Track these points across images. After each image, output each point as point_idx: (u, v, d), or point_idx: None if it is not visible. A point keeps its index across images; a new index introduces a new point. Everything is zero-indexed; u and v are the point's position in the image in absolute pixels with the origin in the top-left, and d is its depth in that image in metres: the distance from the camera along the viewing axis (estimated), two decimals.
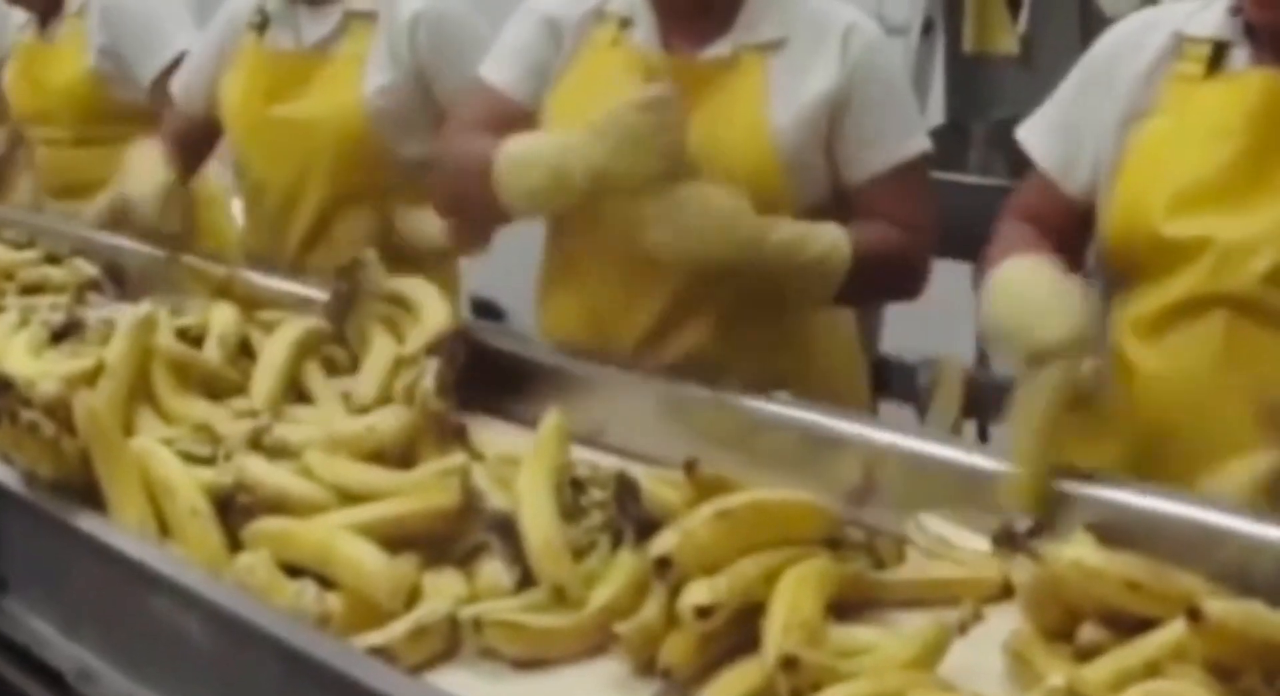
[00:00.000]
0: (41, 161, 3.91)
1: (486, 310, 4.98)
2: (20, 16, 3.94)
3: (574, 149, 2.20)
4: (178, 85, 3.32)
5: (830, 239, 2.26)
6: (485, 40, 2.87)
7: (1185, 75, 2.06)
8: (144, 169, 3.13)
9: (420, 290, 2.33)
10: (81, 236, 3.22)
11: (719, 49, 2.42)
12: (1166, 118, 2.06)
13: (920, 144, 2.45)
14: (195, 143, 3.27)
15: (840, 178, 2.42)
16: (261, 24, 3.13)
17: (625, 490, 1.77)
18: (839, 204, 2.46)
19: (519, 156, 2.26)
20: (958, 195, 3.07)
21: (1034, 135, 2.25)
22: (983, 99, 5.35)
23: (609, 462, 1.96)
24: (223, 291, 2.51)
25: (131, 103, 3.67)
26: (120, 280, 3.06)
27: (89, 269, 3.06)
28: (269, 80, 3.11)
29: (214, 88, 3.20)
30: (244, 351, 2.35)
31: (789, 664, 1.43)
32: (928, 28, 5.28)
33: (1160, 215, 2.01)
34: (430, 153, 2.66)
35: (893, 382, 3.51)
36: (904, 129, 2.44)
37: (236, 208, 4.06)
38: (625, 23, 2.49)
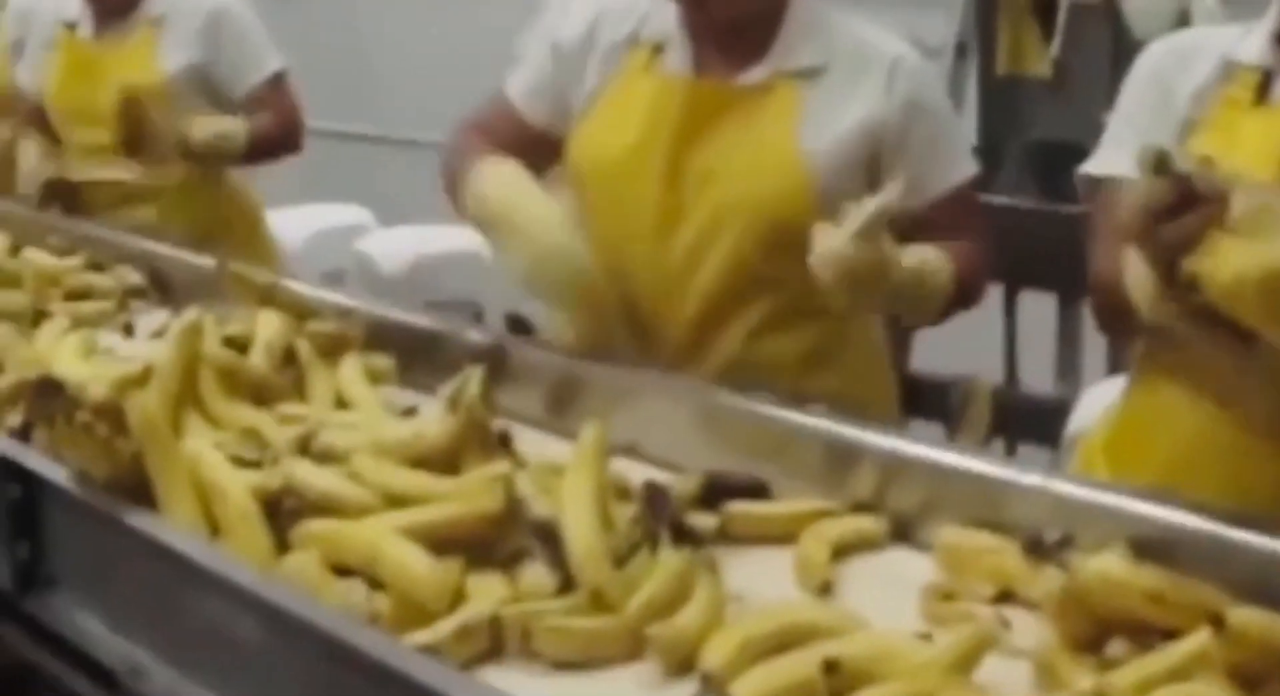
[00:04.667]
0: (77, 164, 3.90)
1: (518, 325, 5.01)
2: (70, 11, 3.90)
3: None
4: None
5: (937, 266, 2.31)
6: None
7: (1235, 99, 2.06)
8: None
9: None
10: (125, 244, 3.26)
11: (754, 75, 2.46)
12: (1213, 139, 2.05)
13: (971, 167, 2.50)
14: None
15: None
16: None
17: (654, 495, 1.82)
18: None
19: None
20: (989, 216, 3.11)
21: (1110, 160, 2.16)
22: (1015, 121, 5.38)
23: (643, 473, 2.01)
24: (266, 300, 2.54)
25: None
26: (164, 287, 3.10)
27: (133, 276, 3.11)
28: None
29: None
30: (288, 359, 2.39)
31: (830, 667, 1.48)
32: (961, 50, 5.32)
33: None
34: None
35: (923, 401, 3.53)
36: (956, 155, 2.49)
37: (270, 218, 4.15)
38: (658, 48, 2.52)
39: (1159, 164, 1.55)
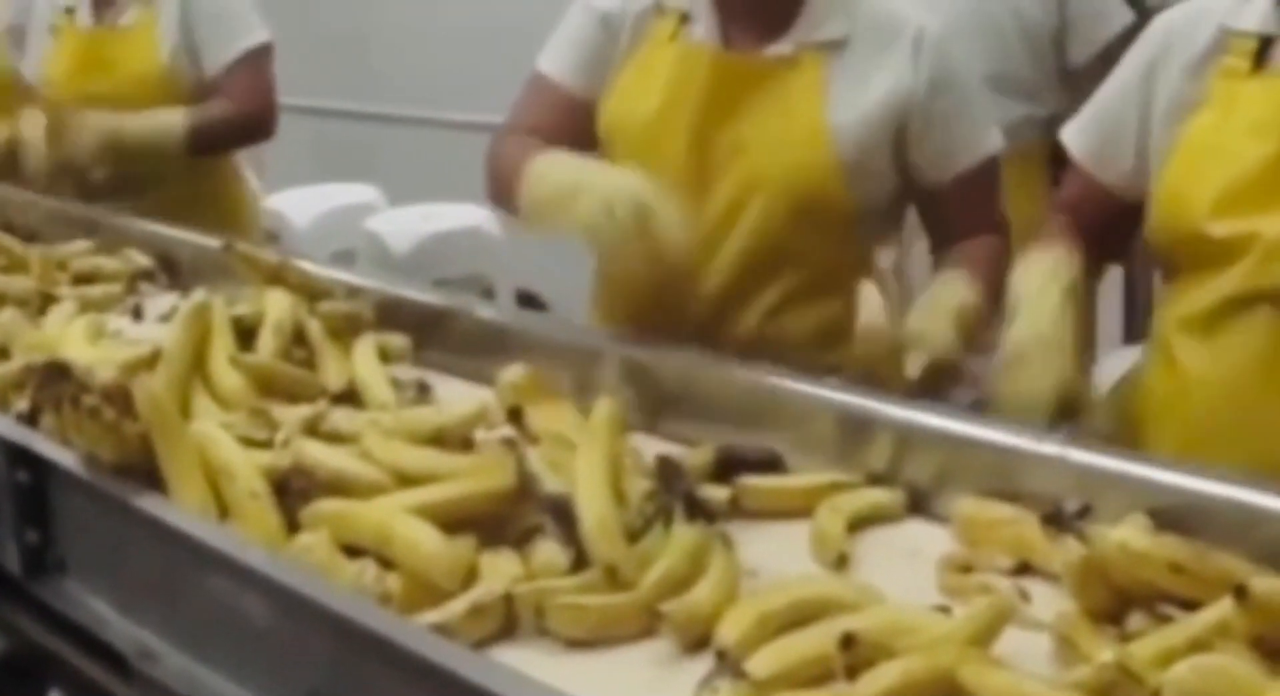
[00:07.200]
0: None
1: (529, 302, 5.02)
2: None
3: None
4: None
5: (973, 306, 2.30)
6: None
7: (1232, 70, 2.06)
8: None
9: None
10: (132, 227, 3.25)
11: (780, 47, 2.44)
12: (1213, 112, 2.06)
13: (995, 141, 2.49)
14: None
15: (916, 179, 2.45)
16: None
17: (668, 469, 1.81)
18: (900, 203, 2.50)
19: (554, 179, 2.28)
20: None
21: (1073, 130, 2.29)
22: None
23: (655, 448, 1.99)
24: (274, 280, 2.53)
25: (200, 96, 3.71)
26: (172, 270, 3.09)
27: (141, 259, 3.10)
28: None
29: None
30: (298, 340, 2.38)
31: (847, 642, 1.46)
32: None
33: (1204, 212, 2.02)
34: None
35: None
36: (982, 128, 2.48)
37: (279, 200, 4.12)
38: (685, 18, 2.50)
39: None
